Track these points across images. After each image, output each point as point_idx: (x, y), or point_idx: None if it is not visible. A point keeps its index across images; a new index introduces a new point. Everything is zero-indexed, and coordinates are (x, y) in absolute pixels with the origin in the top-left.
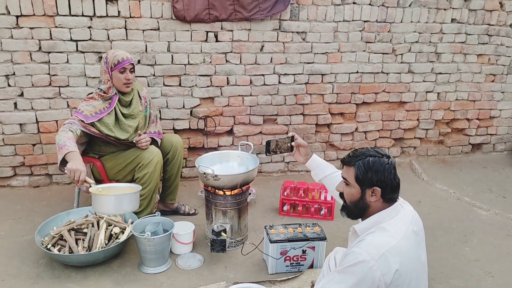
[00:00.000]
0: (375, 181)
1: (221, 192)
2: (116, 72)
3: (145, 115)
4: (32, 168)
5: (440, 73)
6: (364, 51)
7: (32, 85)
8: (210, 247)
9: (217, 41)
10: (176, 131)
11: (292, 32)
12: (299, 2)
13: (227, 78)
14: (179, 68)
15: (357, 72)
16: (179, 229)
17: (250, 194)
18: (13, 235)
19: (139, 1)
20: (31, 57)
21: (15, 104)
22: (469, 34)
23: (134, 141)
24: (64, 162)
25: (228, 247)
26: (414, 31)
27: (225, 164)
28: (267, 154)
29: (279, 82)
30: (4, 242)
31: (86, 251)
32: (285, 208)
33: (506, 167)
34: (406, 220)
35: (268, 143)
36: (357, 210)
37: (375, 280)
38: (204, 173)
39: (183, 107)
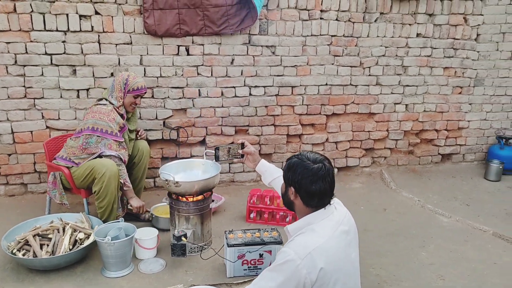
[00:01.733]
0: (290, 181)
1: (183, 199)
2: (130, 95)
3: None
4: (7, 178)
5: (408, 85)
6: (332, 64)
7: (8, 97)
8: (171, 251)
9: (188, 54)
10: (149, 141)
11: (262, 46)
12: (268, 17)
13: (199, 90)
14: (152, 80)
15: (326, 84)
16: (142, 235)
17: (213, 201)
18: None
19: (112, 16)
20: (7, 70)
21: None
22: (435, 48)
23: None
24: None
25: (190, 252)
26: (381, 45)
27: (189, 172)
28: (216, 160)
29: (250, 94)
30: None
31: (50, 255)
32: (252, 215)
33: (475, 176)
34: (337, 221)
35: (217, 149)
36: (286, 204)
37: (301, 278)
38: (166, 180)
39: (156, 118)
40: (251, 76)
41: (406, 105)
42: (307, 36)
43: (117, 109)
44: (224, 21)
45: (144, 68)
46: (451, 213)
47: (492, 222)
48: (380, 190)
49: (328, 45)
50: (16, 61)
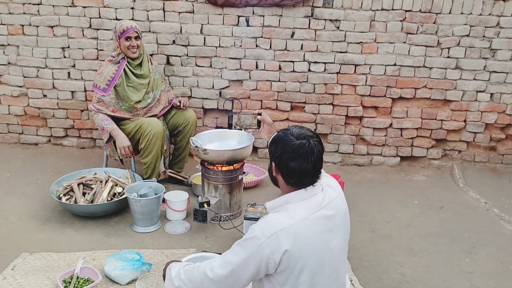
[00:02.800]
0: (272, 155)
1: (213, 167)
2: (122, 39)
3: (156, 78)
4: (80, 131)
5: (495, 72)
6: (404, 42)
7: (83, 57)
8: (193, 216)
9: (248, 25)
10: (205, 110)
11: (325, 19)
12: None
13: (256, 62)
14: (211, 50)
15: (394, 64)
16: (173, 197)
17: (245, 173)
18: (47, 184)
19: None
20: (83, 33)
21: (69, 73)
22: None
23: (174, 105)
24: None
25: (213, 219)
26: (465, 24)
27: (224, 141)
28: (229, 128)
29: (309, 70)
30: (37, 189)
31: (88, 203)
32: None
33: None
34: (318, 204)
35: (230, 116)
36: (272, 180)
37: (264, 257)
38: (196, 147)
39: (213, 87)
40: (311, 51)
41: (491, 94)
42: (377, 10)
43: (114, 58)
44: None
45: (204, 37)
46: None
47: None
48: (445, 186)
49: (400, 21)
50: (90, 25)
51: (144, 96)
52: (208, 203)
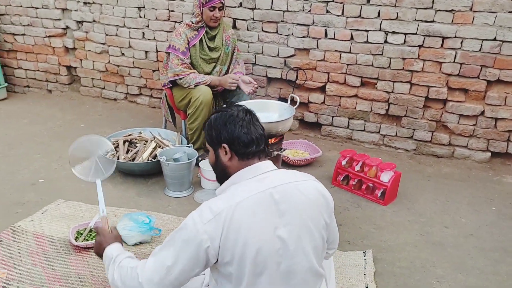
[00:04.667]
0: (221, 138)
1: None
2: (206, 9)
3: (226, 52)
4: (151, 91)
5: None
6: (510, 12)
7: (156, 18)
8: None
9: None
10: (268, 79)
11: None
12: None
13: (325, 30)
14: (277, 14)
15: (494, 39)
16: (207, 165)
17: (282, 149)
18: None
19: None
20: None
21: (143, 33)
22: None
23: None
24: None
25: None
26: None
27: (264, 113)
28: None
29: (385, 41)
30: None
31: (128, 161)
32: (339, 178)
33: None
34: (265, 184)
35: None
36: (219, 174)
37: (202, 245)
38: None
39: (278, 55)
40: (390, 19)
41: None
42: None
43: (193, 24)
44: None
45: (272, 1)
46: None
47: None
48: None
49: None
50: None
51: (212, 69)
52: None
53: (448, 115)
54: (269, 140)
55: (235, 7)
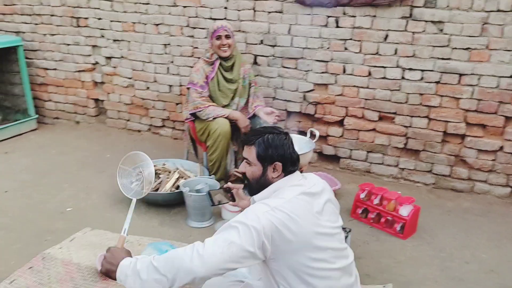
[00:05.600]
0: (276, 156)
1: None
2: (214, 39)
3: (244, 85)
4: (174, 123)
5: None
6: None
7: (180, 54)
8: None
9: (337, 26)
10: (288, 112)
11: (425, 21)
12: None
13: (344, 66)
14: (297, 51)
15: (511, 76)
16: None
17: None
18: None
19: None
20: (181, 31)
21: (168, 68)
22: None
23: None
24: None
25: None
26: None
27: None
28: (212, 205)
29: (403, 78)
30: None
31: (152, 191)
32: (359, 211)
33: None
34: (302, 186)
35: (208, 194)
36: (258, 187)
37: (260, 234)
38: None
39: (297, 90)
40: (407, 57)
41: None
42: (491, 11)
43: (209, 60)
44: None
45: (292, 38)
46: None
47: None
48: None
49: None
50: (188, 24)
51: (230, 101)
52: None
53: (467, 150)
54: None
55: (256, 44)
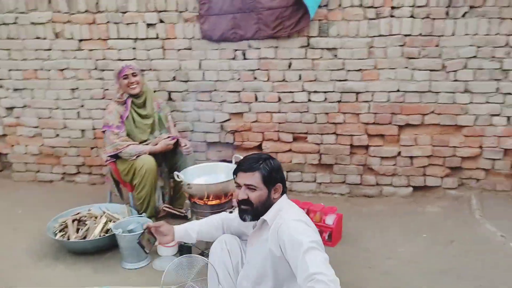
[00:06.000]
0: (278, 179)
1: (200, 202)
2: (121, 79)
3: (159, 117)
4: (90, 168)
5: (510, 94)
6: (406, 67)
7: (91, 97)
8: (179, 252)
9: (245, 58)
10: (208, 143)
11: (321, 48)
12: (328, 18)
13: (255, 94)
14: (210, 84)
15: (398, 90)
16: None
17: (233, 207)
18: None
19: (174, 24)
20: (89, 74)
21: (78, 113)
22: None
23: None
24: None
25: (203, 255)
26: (471, 45)
27: (214, 175)
28: (147, 253)
29: (309, 100)
30: (42, 225)
31: (80, 239)
32: None
33: None
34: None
35: (139, 243)
36: (263, 209)
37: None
38: (181, 181)
39: (214, 121)
40: (310, 81)
41: (508, 117)
42: (374, 37)
43: (120, 100)
44: (279, 24)
45: (203, 73)
46: None
47: None
48: (460, 219)
49: (400, 46)
50: (96, 67)
51: (149, 136)
52: None
53: (372, 158)
54: (221, 198)
55: (169, 81)
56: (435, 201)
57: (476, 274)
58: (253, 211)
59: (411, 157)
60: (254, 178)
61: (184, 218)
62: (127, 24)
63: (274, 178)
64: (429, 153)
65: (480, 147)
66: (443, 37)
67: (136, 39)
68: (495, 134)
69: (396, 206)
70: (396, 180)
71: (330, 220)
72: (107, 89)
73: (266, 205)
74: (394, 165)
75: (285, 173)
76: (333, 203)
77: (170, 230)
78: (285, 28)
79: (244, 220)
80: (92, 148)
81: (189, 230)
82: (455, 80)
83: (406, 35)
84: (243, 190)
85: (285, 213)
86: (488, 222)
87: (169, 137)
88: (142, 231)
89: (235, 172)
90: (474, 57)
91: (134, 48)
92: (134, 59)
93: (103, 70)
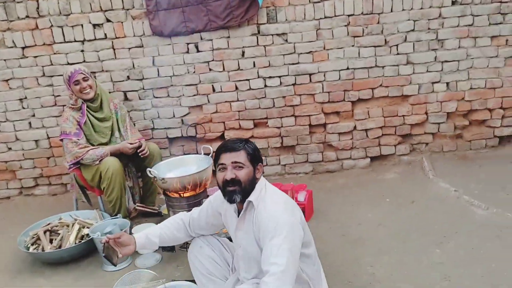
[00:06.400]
0: (260, 158)
1: (175, 195)
2: (72, 85)
3: (117, 118)
4: (49, 179)
5: (447, 61)
6: (352, 46)
7: (41, 106)
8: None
9: (198, 51)
10: (169, 139)
11: (272, 34)
12: (275, 4)
13: (212, 85)
14: (165, 80)
15: (347, 68)
16: (140, 230)
17: (208, 196)
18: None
19: (122, 22)
20: (37, 82)
21: (30, 123)
22: (477, 16)
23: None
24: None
25: (183, 247)
26: (408, 19)
27: (184, 168)
28: (115, 264)
29: (265, 86)
30: (9, 242)
31: (55, 249)
32: None
33: None
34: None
35: (105, 257)
36: (251, 188)
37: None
38: (154, 177)
39: (174, 116)
40: (264, 67)
41: (447, 83)
42: (321, 19)
43: (74, 105)
44: (228, 14)
45: (158, 69)
46: (490, 204)
47: None
48: (416, 180)
49: (345, 26)
50: (44, 73)
51: (110, 138)
52: None
53: (330, 135)
54: (195, 189)
55: (123, 80)
56: (391, 168)
57: (439, 227)
58: (242, 190)
59: (366, 130)
60: (240, 156)
61: (158, 215)
62: (72, 26)
63: (258, 157)
64: (382, 124)
65: (426, 113)
66: (383, 14)
67: (83, 41)
68: (437, 100)
69: (358, 177)
70: (355, 153)
71: (301, 197)
72: (58, 95)
73: (253, 184)
74: (351, 139)
75: None
76: (298, 182)
77: (131, 239)
78: (235, 17)
79: (233, 201)
80: (48, 158)
81: (150, 236)
82: (398, 54)
83: (349, 15)
84: (230, 169)
85: (266, 194)
86: (441, 181)
87: (136, 143)
88: (103, 245)
89: (218, 155)
90: (412, 30)
91: (82, 51)
92: (84, 61)
93: (52, 76)
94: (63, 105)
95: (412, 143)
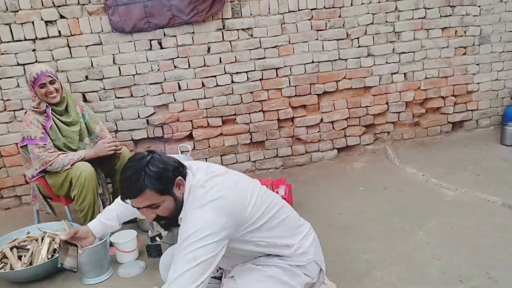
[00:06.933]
0: (172, 175)
1: None
2: (37, 88)
3: (85, 122)
4: (0, 191)
5: (403, 53)
6: (316, 39)
7: None
8: (147, 252)
9: (162, 48)
10: (135, 141)
11: (237, 29)
12: None
13: (178, 83)
14: (128, 79)
15: (312, 61)
16: (121, 238)
17: None
18: None
19: (77, 18)
20: None
21: None
22: (429, 8)
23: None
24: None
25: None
26: (367, 13)
27: None
28: (74, 271)
29: (232, 82)
30: None
31: (27, 266)
32: None
33: (490, 142)
34: (207, 176)
35: (61, 264)
36: (180, 210)
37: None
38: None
39: (138, 116)
40: (231, 63)
41: (405, 74)
42: (285, 13)
43: (37, 108)
44: (192, 9)
45: (119, 67)
46: (458, 185)
47: (502, 191)
48: (383, 168)
49: (309, 20)
50: None
51: (78, 143)
52: (160, 235)
53: (298, 129)
54: None
55: (81, 81)
56: (358, 157)
57: (416, 210)
58: (172, 220)
59: (332, 122)
60: (148, 198)
61: (133, 221)
62: (22, 23)
63: (168, 179)
64: (347, 115)
65: (387, 103)
66: (344, 8)
67: (35, 39)
68: (397, 90)
69: (327, 169)
70: (322, 145)
71: (282, 191)
72: (8, 99)
73: (179, 207)
74: (318, 131)
75: (219, 157)
76: (269, 177)
77: (87, 231)
78: (200, 12)
79: (171, 230)
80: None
81: (106, 221)
82: (359, 46)
83: (312, 9)
84: (146, 212)
85: (189, 203)
86: (407, 166)
87: (112, 139)
88: (59, 246)
89: (123, 200)
90: (371, 23)
91: (34, 50)
92: (36, 61)
93: (0, 79)
94: (15, 110)
95: (375, 132)
